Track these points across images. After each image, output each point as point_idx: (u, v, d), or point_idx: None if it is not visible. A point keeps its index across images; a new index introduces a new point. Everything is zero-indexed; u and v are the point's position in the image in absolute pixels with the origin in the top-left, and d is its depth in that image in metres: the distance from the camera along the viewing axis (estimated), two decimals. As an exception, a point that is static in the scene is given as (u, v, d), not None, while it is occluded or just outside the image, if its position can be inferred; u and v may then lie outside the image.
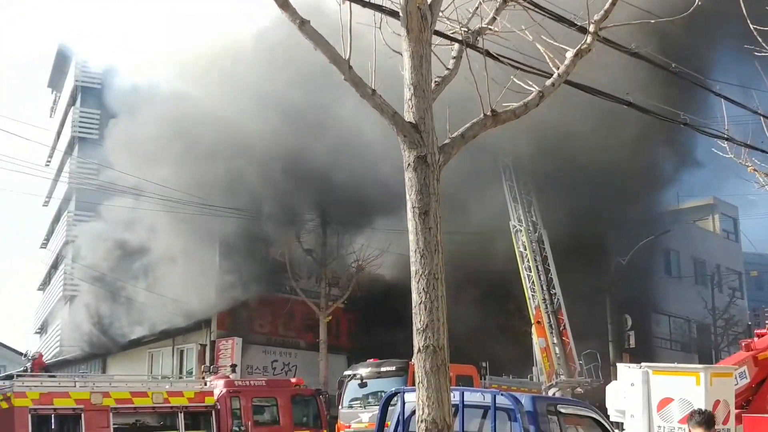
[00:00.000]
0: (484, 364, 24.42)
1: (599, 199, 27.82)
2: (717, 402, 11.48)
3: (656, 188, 30.91)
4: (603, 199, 28.02)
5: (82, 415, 14.90)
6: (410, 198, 6.52)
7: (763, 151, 10.70)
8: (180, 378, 24.47)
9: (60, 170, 41.20)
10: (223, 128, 26.76)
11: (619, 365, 12.82)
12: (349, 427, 21.11)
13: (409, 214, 6.52)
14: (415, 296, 6.39)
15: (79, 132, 40.13)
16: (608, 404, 13.26)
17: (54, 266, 41.02)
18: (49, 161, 44.17)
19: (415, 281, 6.41)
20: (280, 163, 26.48)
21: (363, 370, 21.91)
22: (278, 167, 26.54)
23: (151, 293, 26.73)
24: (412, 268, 6.45)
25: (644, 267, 34.45)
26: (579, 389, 24.74)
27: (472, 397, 9.52)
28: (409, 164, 6.54)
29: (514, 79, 7.40)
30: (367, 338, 27.12)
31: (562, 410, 9.51)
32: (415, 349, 6.30)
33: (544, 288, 25.44)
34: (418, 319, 6.32)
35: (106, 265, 29.95)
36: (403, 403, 9.59)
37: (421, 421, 6.15)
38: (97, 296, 30.01)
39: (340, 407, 21.94)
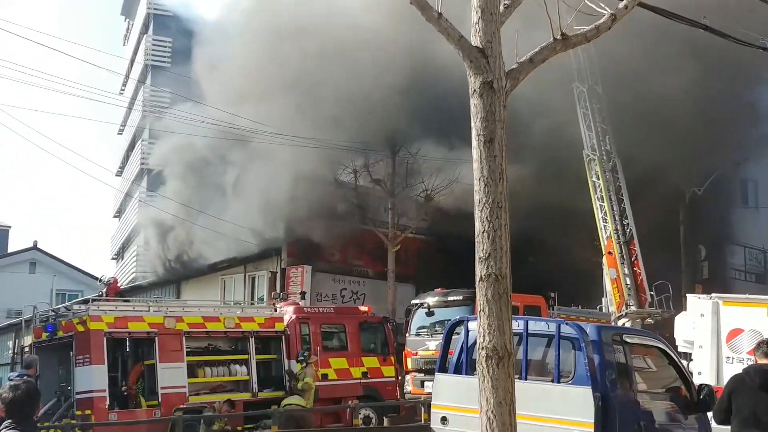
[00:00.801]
0: (552, 295, 24.36)
1: (675, 128, 27.05)
2: (789, 333, 11.25)
3: (734, 118, 29.84)
4: (679, 128, 27.25)
5: (156, 338, 15.25)
6: (475, 125, 6.42)
7: None
8: (251, 304, 25.00)
9: (134, 98, 41.86)
10: (298, 59, 26.87)
11: (689, 296, 12.68)
12: (416, 354, 21.43)
13: (474, 142, 6.43)
14: (478, 225, 6.35)
15: (152, 60, 40.60)
16: (677, 335, 13.18)
17: (129, 194, 42.02)
18: (123, 89, 44.91)
19: (478, 210, 6.37)
20: (352, 93, 26.47)
21: (430, 299, 22.13)
22: (350, 98, 26.53)
23: (224, 221, 27.21)
24: (476, 197, 6.40)
25: (720, 197, 33.61)
26: (649, 320, 24.52)
27: (537, 326, 9.54)
28: (474, 90, 6.43)
29: (586, 1, 7.16)
30: (435, 268, 27.21)
31: (628, 340, 9.46)
32: (477, 278, 6.29)
33: (617, 218, 25.06)
34: (481, 248, 6.29)
35: (179, 192, 30.57)
36: (467, 331, 9.66)
37: (482, 348, 6.17)
38: (172, 223, 30.69)
39: (407, 335, 22.25)
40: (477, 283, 6.37)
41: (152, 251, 33.54)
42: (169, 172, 32.24)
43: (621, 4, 6.87)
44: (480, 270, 6.31)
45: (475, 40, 6.39)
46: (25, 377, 12.60)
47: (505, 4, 6.62)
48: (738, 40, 9.16)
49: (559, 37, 6.54)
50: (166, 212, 30.08)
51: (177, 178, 31.53)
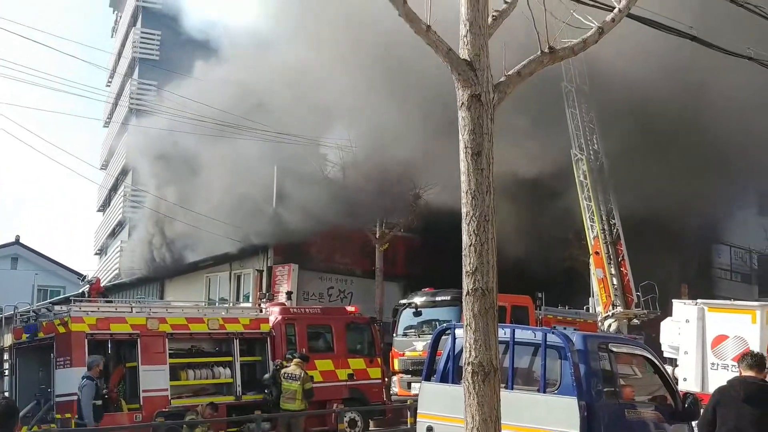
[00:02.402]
0: (540, 295, 24.38)
1: (662, 128, 27.10)
2: (774, 341, 11.30)
3: (719, 118, 29.93)
4: (666, 128, 27.30)
5: (138, 340, 15.08)
6: (463, 138, 6.39)
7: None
8: (237, 303, 24.87)
9: (120, 92, 41.62)
10: (287, 55, 26.81)
11: (675, 302, 12.69)
12: (403, 354, 21.38)
13: (461, 155, 6.40)
14: (465, 238, 6.31)
15: (140, 53, 40.35)
16: (662, 340, 13.19)
17: (113, 188, 41.77)
18: (110, 82, 44.65)
19: (465, 223, 6.33)
20: (341, 89, 26.40)
21: (418, 299, 22.07)
22: (339, 93, 26.47)
23: (210, 218, 27.08)
24: (463, 210, 6.36)
25: (707, 197, 33.71)
26: (635, 320, 24.60)
27: (523, 334, 9.51)
28: (462, 103, 6.40)
29: (574, 14, 7.13)
30: (423, 267, 27.18)
31: (614, 349, 9.45)
32: (464, 292, 6.25)
33: (604, 218, 25.11)
34: (468, 262, 6.25)
35: (165, 189, 30.42)
36: (454, 338, 9.62)
37: (468, 364, 6.14)
38: (157, 219, 30.54)
39: (394, 335, 22.19)
40: (464, 297, 6.33)
41: (136, 248, 33.37)
42: (155, 168, 32.07)
43: (608, 17, 6.84)
44: (467, 284, 6.27)
45: (464, 53, 6.36)
46: (3, 395, 12.79)
47: (493, 16, 6.58)
48: (725, 50, 9.16)
49: (546, 50, 6.51)
50: (151, 209, 29.91)
51: (163, 174, 31.38)
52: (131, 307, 16.56)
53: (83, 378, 13.35)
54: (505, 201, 20.48)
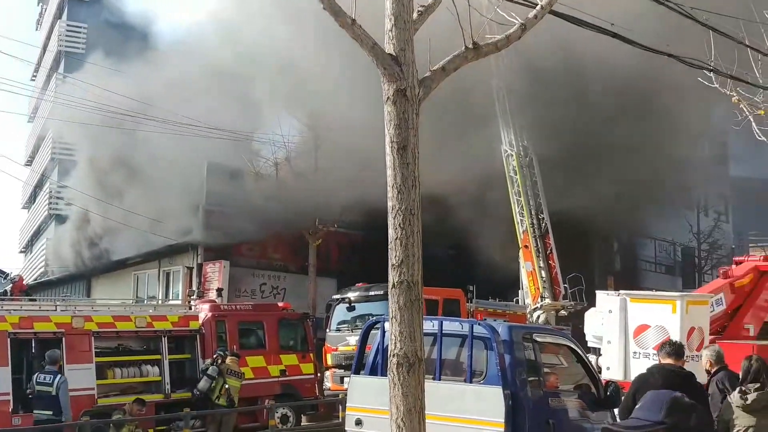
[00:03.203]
0: (471, 288, 24.67)
1: (591, 127, 27.66)
2: (692, 329, 11.69)
3: (645, 118, 30.66)
4: (594, 125, 27.87)
5: (63, 339, 14.76)
6: (388, 132, 6.45)
7: (747, 82, 10.62)
8: (166, 301, 24.55)
9: (46, 86, 40.66)
10: (215, 50, 26.54)
11: (598, 293, 12.99)
12: (336, 349, 21.42)
13: (387, 149, 6.46)
14: (391, 232, 6.38)
15: (66, 47, 39.47)
16: (586, 330, 13.49)
17: (39, 185, 40.80)
18: (35, 76, 43.58)
19: (391, 217, 6.40)
20: (271, 86, 26.29)
21: (351, 294, 22.11)
22: (270, 91, 26.35)
23: (139, 215, 26.67)
24: (389, 204, 6.42)
25: (632, 191, 34.50)
26: (563, 312, 25.06)
27: (451, 326, 9.65)
28: (388, 98, 6.45)
29: (498, 10, 7.26)
30: (357, 262, 27.24)
31: (538, 339, 9.66)
32: (390, 285, 6.32)
33: (533, 213, 25.51)
34: (394, 255, 6.32)
35: (93, 186, 29.84)
36: (383, 331, 9.69)
37: (393, 355, 6.21)
38: (84, 216, 29.95)
39: (327, 330, 22.21)
40: (389, 289, 6.40)
41: (62, 246, 32.67)
42: (82, 164, 31.45)
43: (531, 14, 6.98)
44: (392, 277, 6.34)
45: (389, 48, 6.42)
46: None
47: (418, 11, 6.65)
48: (644, 47, 9.42)
49: (470, 46, 6.61)
50: (77, 205, 29.33)
51: (90, 170, 30.78)
52: (56, 306, 16.20)
53: (57, 375, 13.13)
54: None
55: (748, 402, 7.72)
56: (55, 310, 15.62)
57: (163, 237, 27.07)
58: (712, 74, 10.82)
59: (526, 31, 6.87)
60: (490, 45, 6.80)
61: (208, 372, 15.49)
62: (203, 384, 15.45)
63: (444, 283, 22.00)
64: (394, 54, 6.40)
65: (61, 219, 33.11)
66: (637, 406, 3.11)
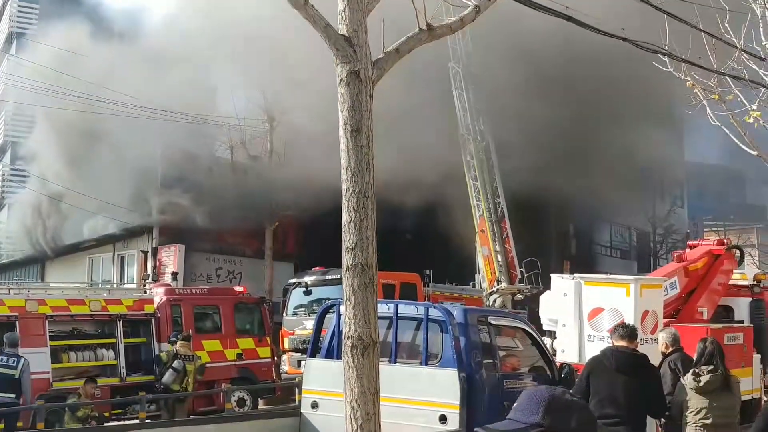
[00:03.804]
0: (427, 272, 24.75)
1: (548, 111, 27.82)
2: (646, 312, 11.79)
3: (602, 102, 30.90)
4: (552, 107, 28.03)
5: (17, 322, 14.64)
6: (342, 114, 6.40)
7: (702, 66, 10.72)
8: (120, 285, 24.28)
9: (-4, 67, 39.77)
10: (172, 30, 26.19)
11: (553, 276, 13.05)
12: (293, 333, 21.38)
13: (341, 132, 6.42)
14: (345, 215, 6.35)
15: (17, 27, 38.61)
16: (542, 313, 13.56)
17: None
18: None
19: (345, 200, 6.36)
20: (226, 66, 26.04)
21: (308, 278, 22.11)
22: (225, 70, 26.10)
23: (92, 198, 26.27)
24: (343, 186, 6.39)
25: (589, 176, 34.84)
26: (519, 296, 25.26)
27: (406, 309, 9.66)
28: (341, 79, 6.40)
29: (452, -9, 7.22)
30: (314, 246, 27.14)
31: (493, 322, 9.71)
32: (344, 268, 6.30)
33: (489, 197, 25.62)
34: (348, 238, 6.30)
35: (46, 168, 29.33)
36: (339, 315, 9.67)
37: (348, 338, 6.20)
38: (36, 200, 29.45)
39: (284, 314, 22.16)
40: (343, 272, 6.38)
41: (15, 229, 32.12)
42: (34, 147, 30.87)
43: (485, -4, 6.96)
44: (346, 260, 6.32)
45: (342, 29, 6.36)
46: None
47: (372, -8, 6.60)
48: (598, 30, 9.46)
49: (424, 27, 6.58)
50: (30, 189, 28.82)
51: (43, 152, 30.22)
52: (9, 289, 16.04)
53: (20, 358, 12.98)
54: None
55: (701, 384, 7.85)
56: (8, 293, 15.50)
57: (117, 220, 26.72)
58: (666, 59, 10.91)
59: (480, 13, 6.86)
60: (444, 27, 6.78)
61: (174, 366, 15.33)
62: (168, 378, 15.29)
63: (401, 268, 22.04)
64: (347, 35, 6.34)
65: (12, 202, 32.47)
66: (514, 405, 3.03)
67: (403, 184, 24.46)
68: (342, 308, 9.39)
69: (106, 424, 13.94)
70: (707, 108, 11.43)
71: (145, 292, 17.57)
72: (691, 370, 8.07)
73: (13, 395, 12.88)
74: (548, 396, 3.05)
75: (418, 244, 29.22)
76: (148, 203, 26.62)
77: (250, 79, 26.26)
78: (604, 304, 12.06)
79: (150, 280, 19.33)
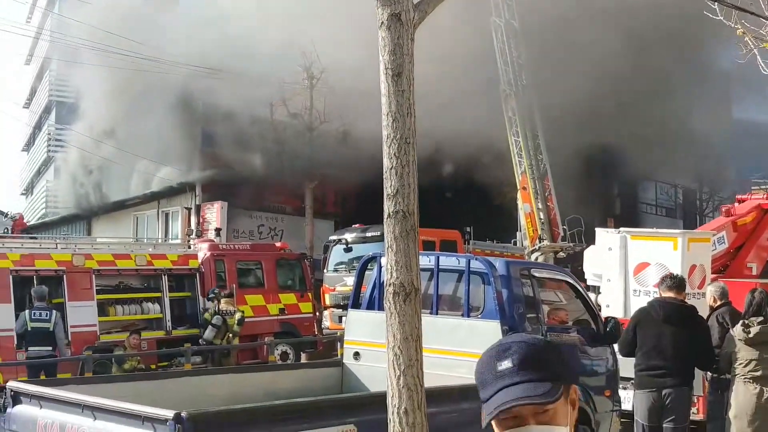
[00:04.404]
0: (468, 229, 24.62)
1: (590, 67, 27.31)
2: (693, 267, 11.59)
3: (648, 56, 30.22)
4: (594, 66, 27.52)
5: (65, 276, 14.86)
6: (383, 58, 6.28)
7: (752, 13, 10.36)
8: (165, 241, 24.55)
9: (41, 27, 40.13)
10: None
11: (598, 230, 12.88)
12: (333, 290, 21.50)
13: (382, 76, 6.30)
14: (386, 161, 6.25)
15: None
16: (586, 268, 13.40)
17: (38, 126, 40.56)
18: (30, 18, 42.98)
19: (386, 145, 6.26)
20: (264, 23, 25.90)
21: (348, 235, 22.14)
22: (263, 28, 25.97)
23: (137, 156, 26.52)
24: (384, 132, 6.29)
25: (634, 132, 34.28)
26: (561, 254, 25.03)
27: (447, 261, 9.59)
28: (382, 22, 6.27)
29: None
30: (354, 204, 27.17)
31: (536, 274, 9.58)
32: (385, 215, 6.23)
33: (531, 154, 25.31)
34: (389, 184, 6.20)
35: (90, 127, 29.64)
36: (380, 267, 9.63)
37: (390, 285, 6.14)
38: (83, 157, 29.82)
39: (325, 271, 22.25)
40: (385, 219, 6.31)
41: (63, 187, 32.62)
42: (80, 105, 31.19)
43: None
44: (387, 207, 6.24)
45: (383, -30, 6.22)
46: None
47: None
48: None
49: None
50: (76, 147, 29.16)
51: (88, 110, 30.52)
52: (56, 244, 16.29)
53: (51, 310, 13.24)
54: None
55: (751, 335, 7.68)
56: (56, 248, 15.73)
57: (162, 177, 26.96)
58: (716, 5, 10.56)
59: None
60: (488, -32, 6.61)
61: (213, 322, 15.52)
62: (209, 334, 15.55)
63: (441, 225, 21.97)
64: (388, -23, 6.20)
65: (60, 161, 32.92)
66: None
67: (444, 141, 24.28)
68: (383, 259, 9.41)
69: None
70: (758, 57, 11.07)
71: (190, 248, 17.74)
72: (741, 321, 7.91)
73: (50, 348, 13.13)
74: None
75: (459, 201, 29.05)
76: (192, 160, 26.78)
77: (290, 36, 26.07)
78: (650, 259, 11.88)
79: (194, 236, 19.47)
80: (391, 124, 6.25)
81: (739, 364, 7.76)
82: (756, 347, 7.68)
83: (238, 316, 15.67)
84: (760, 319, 7.75)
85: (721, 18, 10.79)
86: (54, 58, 37.02)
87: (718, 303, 9.58)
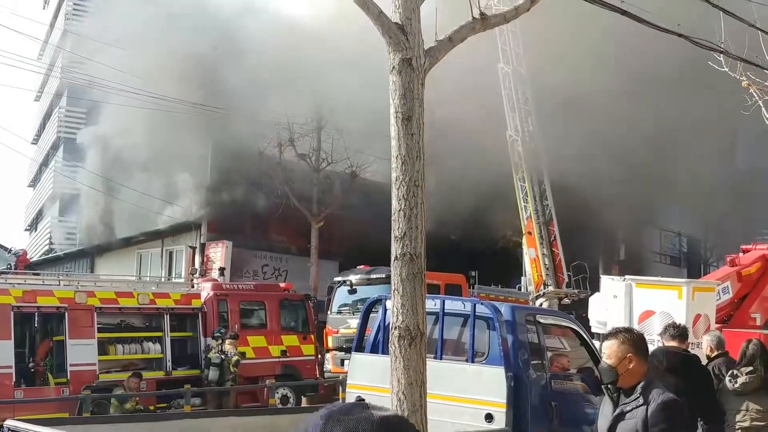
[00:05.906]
0: (473, 274, 24.57)
1: (598, 113, 27.46)
2: (698, 316, 11.56)
3: (653, 105, 30.39)
4: (602, 112, 27.66)
5: (66, 313, 14.77)
6: (393, 102, 6.35)
7: (758, 65, 10.45)
8: (168, 280, 24.49)
9: (52, 64, 40.54)
10: (219, 26, 26.39)
11: (603, 277, 12.86)
12: (337, 332, 21.37)
13: (392, 120, 6.37)
14: (394, 203, 6.29)
15: (73, 22, 39.33)
16: (591, 315, 13.36)
17: (44, 163, 40.76)
18: (42, 55, 43.42)
19: (395, 188, 6.31)
20: (274, 63, 26.16)
21: (353, 277, 22.06)
22: (272, 68, 26.21)
23: (142, 194, 26.58)
24: (393, 175, 6.34)
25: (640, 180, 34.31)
26: (566, 300, 24.93)
27: (453, 305, 9.56)
28: (393, 67, 6.35)
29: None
30: (359, 245, 27.13)
31: (542, 320, 9.55)
32: (393, 257, 6.23)
33: (537, 199, 25.36)
34: (397, 227, 6.24)
35: (97, 164, 29.77)
36: (385, 309, 9.61)
37: (395, 328, 6.13)
38: (88, 195, 29.90)
39: (329, 313, 22.15)
40: (392, 262, 6.32)
41: (67, 224, 32.68)
42: (87, 143, 31.37)
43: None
44: (395, 249, 6.26)
45: (395, 17, 6.32)
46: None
47: (425, -19, 6.54)
48: (654, 26, 9.26)
49: (478, 16, 6.49)
50: (83, 183, 29.25)
51: (95, 148, 30.69)
52: (59, 280, 16.23)
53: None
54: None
55: (736, 385, 7.65)
56: (59, 284, 15.64)
57: (167, 216, 27.00)
58: (721, 57, 10.66)
59: (535, 3, 6.75)
60: (498, 16, 6.70)
61: (213, 362, 15.47)
62: (212, 375, 15.52)
63: (446, 269, 21.93)
64: (400, 23, 6.30)
65: (65, 197, 33.03)
66: None
67: (450, 187, 24.33)
68: (388, 302, 9.39)
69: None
70: (762, 109, 11.16)
71: (193, 287, 17.64)
72: (729, 372, 7.87)
73: None
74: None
75: (464, 245, 29.02)
76: (197, 199, 26.84)
77: (299, 78, 26.30)
78: (655, 307, 11.86)
79: (197, 275, 19.42)
80: (400, 167, 6.30)
81: (730, 414, 7.73)
82: (743, 397, 7.64)
83: (234, 359, 15.60)
84: (749, 369, 7.71)
85: (726, 69, 10.90)
86: (65, 95, 37.36)
87: (715, 353, 9.49)
